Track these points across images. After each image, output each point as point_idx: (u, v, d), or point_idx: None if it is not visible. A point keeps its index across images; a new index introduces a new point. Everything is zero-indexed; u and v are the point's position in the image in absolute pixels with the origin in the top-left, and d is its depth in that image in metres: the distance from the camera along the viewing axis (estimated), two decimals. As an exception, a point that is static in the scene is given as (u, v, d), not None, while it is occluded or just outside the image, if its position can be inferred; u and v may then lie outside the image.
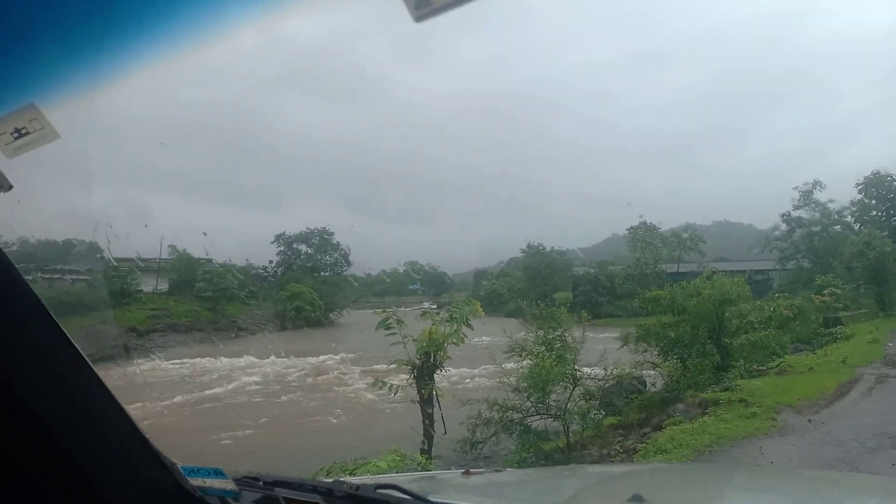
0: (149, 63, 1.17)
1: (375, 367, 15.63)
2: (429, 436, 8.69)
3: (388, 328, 8.79)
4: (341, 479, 1.58)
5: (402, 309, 10.91)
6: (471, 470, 2.08)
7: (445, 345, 8.67)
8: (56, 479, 1.40)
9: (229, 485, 1.49)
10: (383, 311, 9.01)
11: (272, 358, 18.43)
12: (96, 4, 1.11)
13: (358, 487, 1.47)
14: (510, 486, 1.96)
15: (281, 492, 1.46)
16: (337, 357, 19.11)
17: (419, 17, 0.94)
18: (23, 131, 1.10)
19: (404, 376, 8.92)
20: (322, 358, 18.86)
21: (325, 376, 17.29)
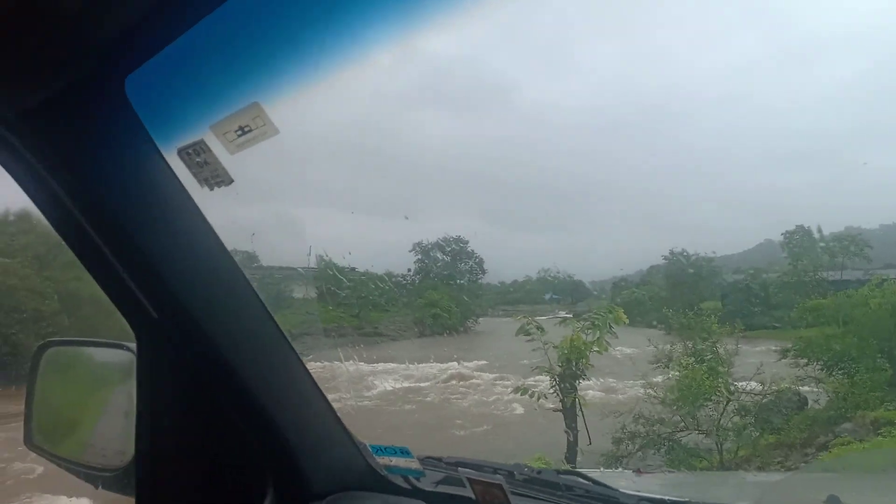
0: (300, 84, 1.25)
1: (512, 374, 15.64)
2: (572, 445, 8.54)
3: (528, 334, 8.76)
4: (521, 463, 1.60)
5: (538, 318, 10.86)
6: (641, 469, 2.01)
7: (588, 353, 8.50)
8: (271, 455, 1.53)
9: (414, 464, 1.55)
10: (522, 318, 9.00)
11: (414, 364, 18.98)
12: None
13: (540, 471, 1.48)
14: (688, 487, 1.88)
15: (464, 472, 1.50)
16: (473, 364, 19.33)
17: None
18: (246, 129, 1.22)
19: (545, 384, 8.85)
20: (460, 364, 19.14)
21: (462, 382, 17.53)
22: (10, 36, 1.10)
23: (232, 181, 1.31)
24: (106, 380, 1.64)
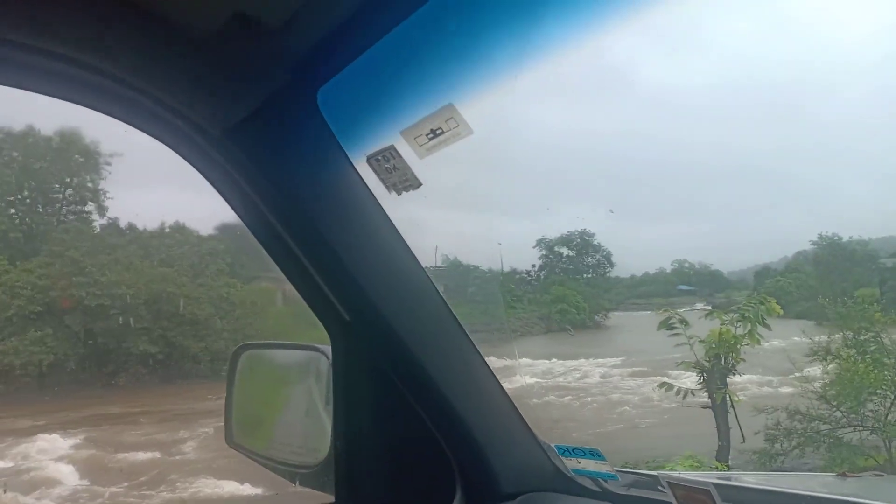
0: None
1: (648, 369, 15.09)
2: (724, 443, 8.10)
3: (671, 328, 8.39)
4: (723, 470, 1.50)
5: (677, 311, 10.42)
6: (846, 473, 1.84)
7: (739, 347, 8.01)
8: (459, 454, 1.54)
9: (605, 466, 1.49)
10: (665, 311, 8.65)
11: (543, 360, 18.82)
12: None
13: (749, 477, 1.38)
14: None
15: (664, 475, 1.42)
16: (605, 360, 18.85)
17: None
18: (437, 131, 1.22)
19: (691, 380, 8.46)
20: (590, 360, 18.75)
21: (598, 378, 17.16)
22: (214, 56, 1.17)
23: (420, 185, 1.32)
24: (298, 380, 1.72)
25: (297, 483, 1.63)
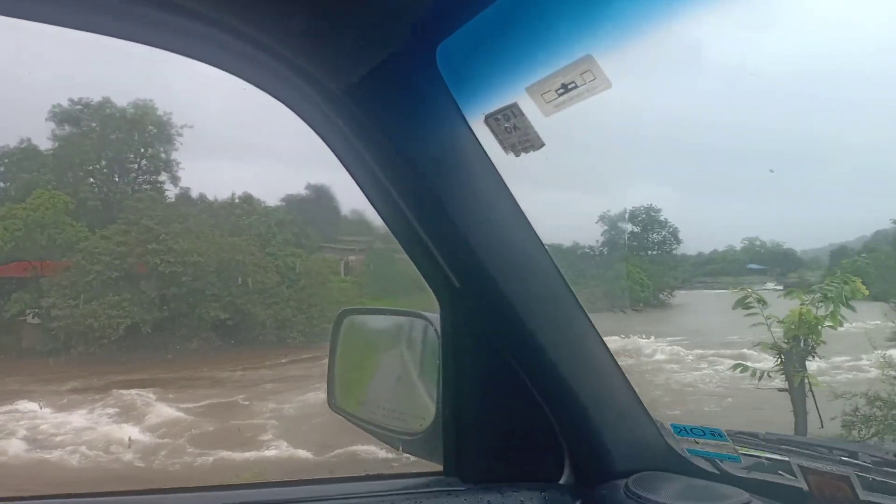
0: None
1: (718, 349, 14.68)
2: (801, 429, 7.79)
3: (748, 308, 8.07)
4: (867, 441, 1.40)
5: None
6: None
7: (820, 328, 7.64)
8: (569, 429, 1.50)
9: (726, 447, 1.42)
10: (741, 290, 8.31)
11: (609, 337, 18.57)
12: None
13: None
14: None
15: (795, 460, 1.33)
16: (672, 338, 18.44)
17: None
18: (570, 86, 1.15)
19: (768, 362, 8.13)
20: (658, 338, 18.38)
21: (663, 356, 16.83)
22: (337, 12, 1.13)
23: (543, 145, 1.25)
24: (401, 347, 1.70)
25: (401, 449, 1.62)
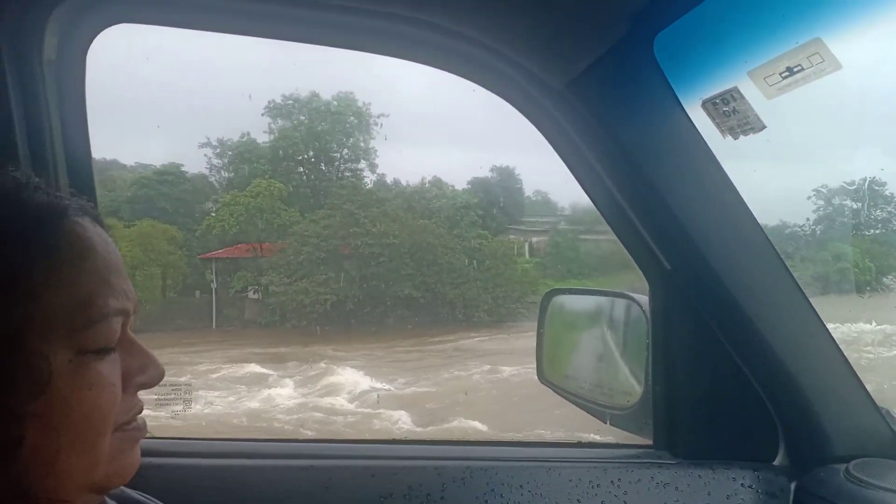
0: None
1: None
2: None
3: None
4: None
5: None
6: None
7: None
8: (786, 411, 1.49)
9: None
10: None
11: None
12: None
13: None
14: None
15: None
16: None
17: None
18: (796, 68, 1.15)
19: None
20: (882, 325, 16.31)
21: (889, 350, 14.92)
22: (558, 11, 1.22)
23: (764, 127, 1.26)
24: (607, 326, 1.78)
25: (608, 422, 1.70)
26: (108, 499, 0.86)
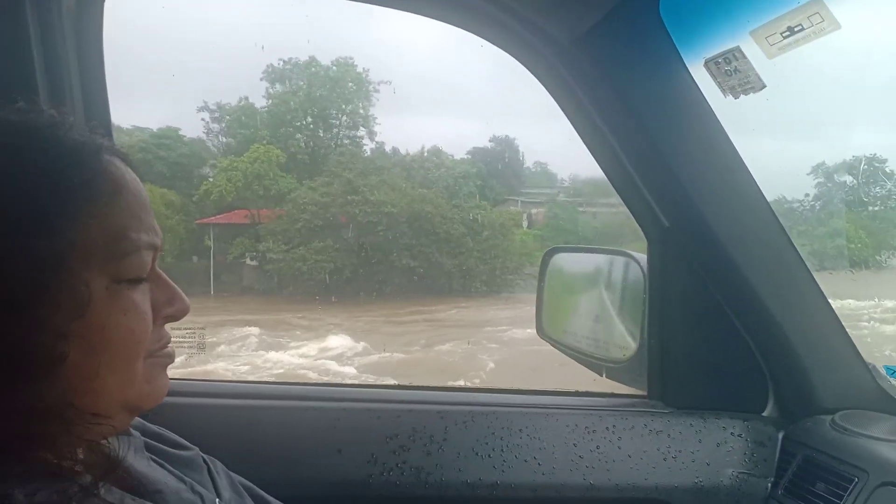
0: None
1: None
2: None
3: None
4: None
5: None
6: None
7: None
8: (776, 365, 1.55)
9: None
10: None
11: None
12: None
13: None
14: None
15: None
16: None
17: None
18: (796, 28, 1.18)
19: None
20: (876, 301, 16.45)
21: (882, 326, 15.08)
22: None
23: (764, 86, 1.29)
24: (605, 283, 1.83)
25: (604, 375, 1.76)
26: (131, 429, 0.91)
